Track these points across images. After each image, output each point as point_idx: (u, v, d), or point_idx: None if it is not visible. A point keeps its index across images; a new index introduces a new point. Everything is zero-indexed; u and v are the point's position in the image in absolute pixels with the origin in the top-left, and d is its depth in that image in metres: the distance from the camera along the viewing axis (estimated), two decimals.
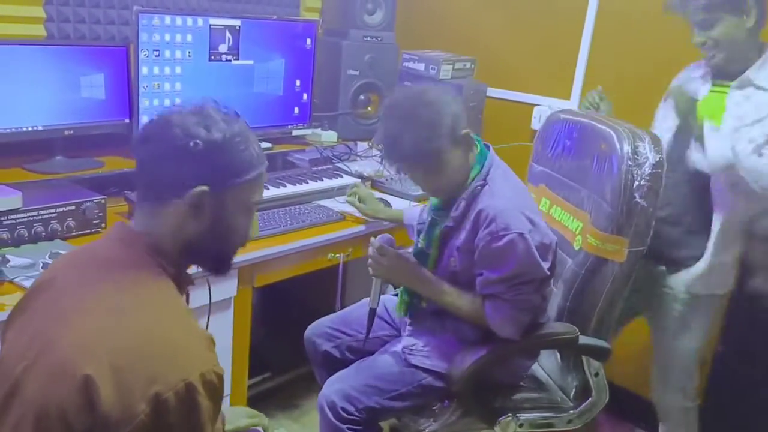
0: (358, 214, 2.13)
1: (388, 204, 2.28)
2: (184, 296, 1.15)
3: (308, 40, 2.51)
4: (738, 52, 1.76)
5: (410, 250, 1.73)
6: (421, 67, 2.61)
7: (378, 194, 2.39)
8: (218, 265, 1.14)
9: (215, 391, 0.95)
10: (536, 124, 2.60)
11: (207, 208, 1.03)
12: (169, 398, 0.88)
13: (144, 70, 2.08)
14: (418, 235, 1.72)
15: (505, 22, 2.72)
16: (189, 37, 2.16)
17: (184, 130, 1.00)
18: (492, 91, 2.71)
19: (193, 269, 1.15)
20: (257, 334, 2.14)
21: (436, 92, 1.53)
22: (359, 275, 1.68)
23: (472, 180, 1.56)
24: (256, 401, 2.20)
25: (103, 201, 1.79)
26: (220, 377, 0.96)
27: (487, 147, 1.64)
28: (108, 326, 0.93)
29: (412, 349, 1.66)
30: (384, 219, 2.02)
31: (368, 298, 1.73)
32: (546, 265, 1.51)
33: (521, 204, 1.52)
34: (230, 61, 2.30)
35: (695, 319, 1.91)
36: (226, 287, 1.81)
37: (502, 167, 1.61)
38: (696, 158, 1.81)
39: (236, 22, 2.28)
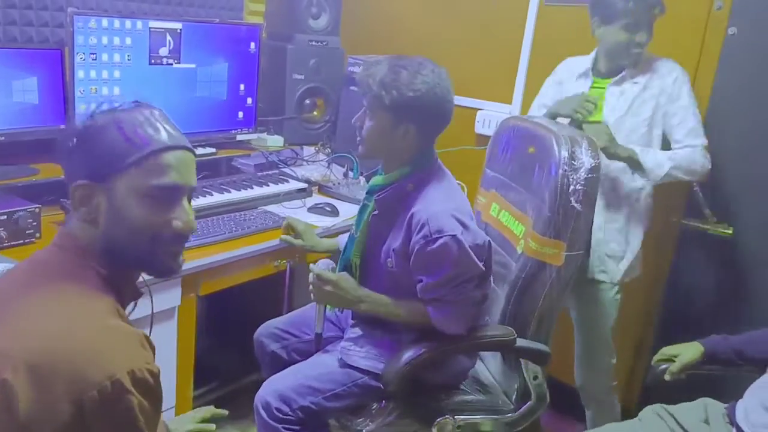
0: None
1: (335, 209, 2.28)
2: (133, 305, 1.12)
3: (252, 44, 2.49)
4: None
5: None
6: None
7: (326, 199, 2.39)
8: (150, 266, 1.07)
9: (151, 391, 0.92)
10: (480, 128, 2.64)
11: (98, 204, 1.00)
12: (93, 396, 0.86)
13: (80, 73, 2.02)
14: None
15: (447, 27, 2.76)
16: (128, 40, 2.11)
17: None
18: None
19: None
20: (203, 344, 2.10)
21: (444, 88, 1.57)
22: (307, 281, 1.68)
23: (403, 176, 1.59)
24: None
25: (37, 210, 1.73)
26: (155, 375, 0.93)
27: (435, 160, 1.65)
28: (26, 328, 0.91)
29: (349, 350, 1.68)
30: (322, 251, 1.98)
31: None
32: (481, 264, 1.54)
33: (452, 207, 1.53)
34: (171, 65, 2.26)
35: (618, 304, 2.08)
36: (170, 296, 1.77)
37: (441, 173, 1.63)
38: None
39: (177, 25, 2.24)
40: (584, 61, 2.09)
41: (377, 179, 1.66)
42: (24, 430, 0.85)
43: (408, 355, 1.56)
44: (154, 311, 1.35)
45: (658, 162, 1.91)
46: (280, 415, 1.59)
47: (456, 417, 1.65)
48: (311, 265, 1.67)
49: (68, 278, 0.98)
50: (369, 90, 1.54)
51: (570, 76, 2.11)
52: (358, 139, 1.63)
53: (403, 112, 1.53)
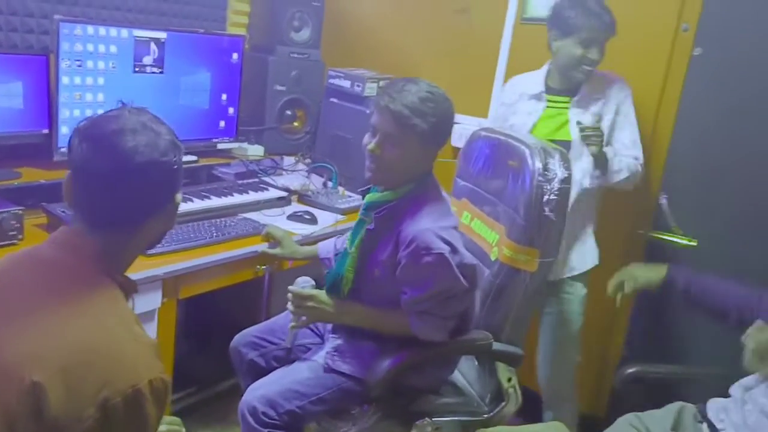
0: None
1: (314, 218, 2.32)
2: (131, 302, 1.16)
3: (235, 55, 2.53)
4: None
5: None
6: (347, 84, 2.67)
7: (305, 208, 2.43)
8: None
9: (162, 398, 0.98)
10: (456, 141, 2.71)
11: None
12: (118, 404, 0.91)
13: (65, 80, 2.05)
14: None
15: (426, 42, 2.83)
16: (113, 48, 2.15)
17: (156, 148, 1.04)
18: None
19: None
20: (182, 348, 2.12)
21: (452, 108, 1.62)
22: (285, 286, 1.71)
23: (405, 193, 1.61)
24: (180, 416, 2.16)
25: (20, 212, 1.75)
26: (167, 384, 0.99)
27: (433, 176, 1.68)
28: (56, 332, 0.93)
29: (333, 355, 1.71)
30: (301, 258, 2.01)
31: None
32: (466, 282, 1.58)
33: (441, 227, 1.55)
34: (155, 73, 2.29)
35: (585, 299, 2.20)
36: (150, 299, 1.79)
37: (437, 194, 1.65)
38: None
39: (162, 35, 2.27)
40: (534, 79, 2.19)
41: (376, 196, 1.65)
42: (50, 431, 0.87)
43: (390, 360, 1.60)
44: (135, 313, 1.38)
45: (620, 168, 2.04)
46: (267, 420, 1.60)
47: (434, 419, 1.69)
48: (289, 287, 1.69)
49: (88, 282, 1.01)
50: (400, 117, 1.51)
51: (520, 97, 2.20)
52: (373, 166, 1.58)
53: (433, 138, 1.56)
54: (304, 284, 1.69)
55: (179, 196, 1.13)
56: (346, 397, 1.68)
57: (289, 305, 1.70)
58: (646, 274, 1.79)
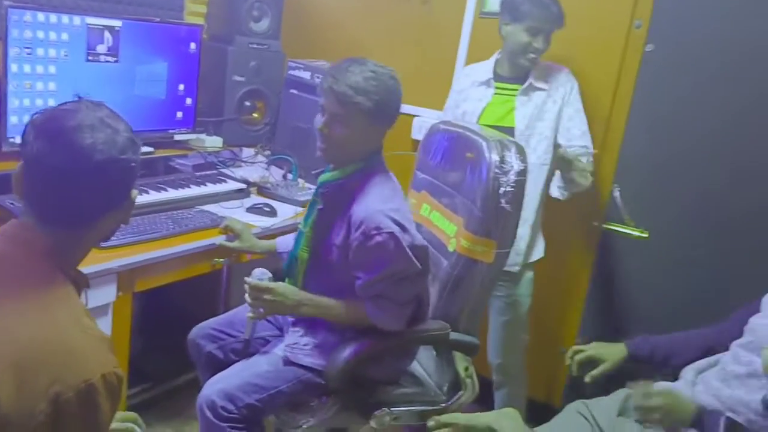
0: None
1: (273, 210, 2.31)
2: (83, 296, 1.14)
3: (192, 45, 2.49)
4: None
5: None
6: (306, 75, 2.66)
7: (264, 200, 2.41)
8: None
9: (115, 393, 0.97)
10: (416, 134, 2.73)
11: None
12: (70, 399, 0.90)
13: (14, 67, 1.99)
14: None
15: (386, 35, 2.83)
16: (64, 36, 2.09)
17: (115, 145, 1.03)
18: None
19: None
20: (137, 343, 2.09)
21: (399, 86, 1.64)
22: (242, 280, 1.70)
23: (353, 171, 1.64)
24: (137, 411, 2.13)
25: None
26: (121, 379, 0.98)
27: (381, 157, 1.70)
28: (6, 327, 0.92)
29: (293, 347, 1.71)
30: (259, 252, 2.00)
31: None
32: (418, 263, 1.60)
33: (391, 207, 1.58)
34: (110, 62, 2.24)
35: (533, 284, 2.28)
36: (105, 292, 1.76)
37: (385, 175, 1.68)
38: None
39: (116, 23, 2.22)
40: (484, 68, 2.26)
41: (326, 176, 1.69)
42: (1, 428, 0.86)
43: (349, 351, 1.61)
44: (88, 307, 1.35)
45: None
46: (225, 414, 1.59)
47: (392, 409, 1.71)
48: (246, 279, 1.68)
49: (39, 277, 0.99)
50: (344, 97, 1.55)
51: (471, 84, 2.27)
52: (323, 145, 1.62)
53: (378, 116, 1.59)
54: (261, 276, 1.68)
55: (135, 192, 1.12)
56: (305, 389, 1.68)
57: (247, 297, 1.69)
58: (611, 358, 1.75)
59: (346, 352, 1.61)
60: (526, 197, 2.01)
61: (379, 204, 1.58)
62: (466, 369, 1.73)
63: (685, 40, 2.19)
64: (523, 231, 2.13)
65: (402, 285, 1.60)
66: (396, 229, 1.55)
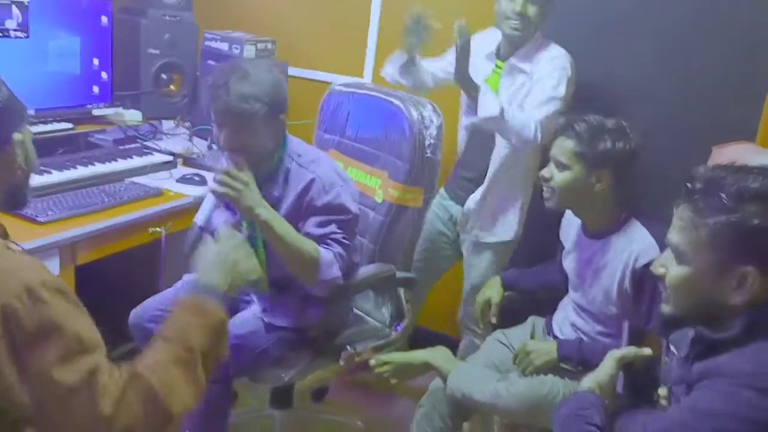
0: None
1: (203, 179, 2.35)
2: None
3: (104, 18, 2.47)
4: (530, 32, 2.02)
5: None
6: (224, 46, 2.69)
7: (193, 170, 2.45)
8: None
9: (64, 291, 1.02)
10: None
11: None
12: (14, 304, 0.95)
13: None
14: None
15: (298, 2, 2.90)
16: None
17: None
18: (292, 71, 2.87)
19: None
20: None
21: (278, 71, 1.72)
22: (181, 251, 1.74)
23: (278, 162, 1.75)
24: None
25: None
26: (65, 285, 1.04)
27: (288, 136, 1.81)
28: None
29: (267, 312, 1.85)
30: None
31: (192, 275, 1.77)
32: (356, 208, 1.78)
33: (331, 165, 1.78)
34: (20, 38, 2.20)
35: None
36: (47, 266, 1.77)
37: (301, 143, 1.83)
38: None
39: None
40: (491, 39, 2.14)
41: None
42: None
43: (322, 306, 1.79)
44: None
45: (523, 124, 1.95)
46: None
47: (355, 346, 1.92)
48: (223, 169, 1.69)
49: None
50: (239, 110, 1.59)
51: (477, 53, 2.08)
52: (238, 158, 1.66)
53: (275, 110, 1.68)
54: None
55: (18, 135, 1.14)
56: (284, 345, 1.83)
57: (212, 183, 1.70)
58: (496, 296, 1.98)
59: (320, 307, 1.80)
60: (515, 180, 2.12)
61: (322, 166, 1.74)
62: (408, 301, 1.92)
63: (570, 38, 2.13)
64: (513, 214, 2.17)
65: (350, 231, 1.76)
66: (343, 182, 1.73)
